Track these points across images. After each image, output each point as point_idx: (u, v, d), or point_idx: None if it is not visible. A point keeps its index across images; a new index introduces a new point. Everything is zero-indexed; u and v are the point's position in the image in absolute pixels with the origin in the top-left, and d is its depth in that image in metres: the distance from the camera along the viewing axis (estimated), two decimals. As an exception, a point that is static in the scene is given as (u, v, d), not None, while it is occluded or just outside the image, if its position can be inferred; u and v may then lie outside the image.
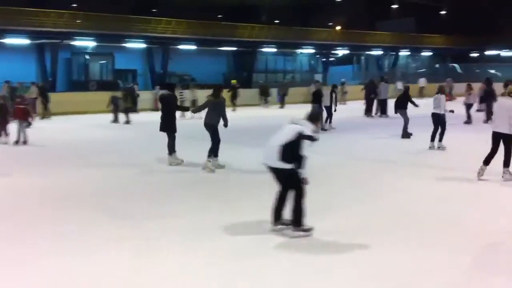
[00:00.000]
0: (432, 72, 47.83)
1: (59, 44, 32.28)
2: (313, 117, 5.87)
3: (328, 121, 17.30)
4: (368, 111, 22.57)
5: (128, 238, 6.09)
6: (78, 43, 34.07)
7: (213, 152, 10.13)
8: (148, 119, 20.18)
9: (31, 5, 30.05)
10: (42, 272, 5.06)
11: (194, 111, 10.76)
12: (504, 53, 49.54)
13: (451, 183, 8.99)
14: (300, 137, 5.52)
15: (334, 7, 48.11)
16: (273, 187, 6.16)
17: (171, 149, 10.71)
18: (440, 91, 12.74)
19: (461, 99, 20.26)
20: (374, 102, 22.74)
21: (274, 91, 31.27)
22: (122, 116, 20.68)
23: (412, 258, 5.36)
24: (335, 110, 17.59)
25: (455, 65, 48.78)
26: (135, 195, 8.41)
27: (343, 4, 47.70)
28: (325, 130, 16.56)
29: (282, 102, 29.82)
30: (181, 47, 37.79)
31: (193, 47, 38.31)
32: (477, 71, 44.89)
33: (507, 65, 47.26)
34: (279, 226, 6.01)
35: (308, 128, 5.60)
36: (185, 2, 37.96)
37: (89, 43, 34.56)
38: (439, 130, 12.45)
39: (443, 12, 49.62)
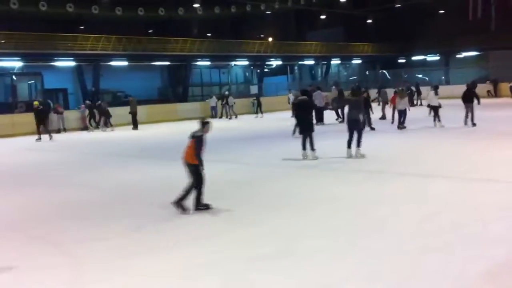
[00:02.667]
0: (363, 79, 49.42)
1: (-17, 65, 31.32)
2: None
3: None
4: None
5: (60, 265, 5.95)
6: (3, 63, 33.01)
7: (358, 142, 11.64)
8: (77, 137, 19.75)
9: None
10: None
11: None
12: (430, 58, 51.80)
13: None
14: None
15: (264, 19, 48.97)
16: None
17: (312, 146, 11.84)
18: None
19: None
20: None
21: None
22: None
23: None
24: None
25: (384, 71, 50.50)
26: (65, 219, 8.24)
27: (273, 16, 48.63)
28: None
29: (135, 124, 25.71)
30: (112, 63, 37.35)
31: (124, 63, 37.95)
32: (405, 76, 46.64)
33: (432, 69, 49.51)
34: None
35: None
36: (113, 18, 37.59)
37: (15, 63, 33.56)
38: None
39: (369, 21, 51.43)
